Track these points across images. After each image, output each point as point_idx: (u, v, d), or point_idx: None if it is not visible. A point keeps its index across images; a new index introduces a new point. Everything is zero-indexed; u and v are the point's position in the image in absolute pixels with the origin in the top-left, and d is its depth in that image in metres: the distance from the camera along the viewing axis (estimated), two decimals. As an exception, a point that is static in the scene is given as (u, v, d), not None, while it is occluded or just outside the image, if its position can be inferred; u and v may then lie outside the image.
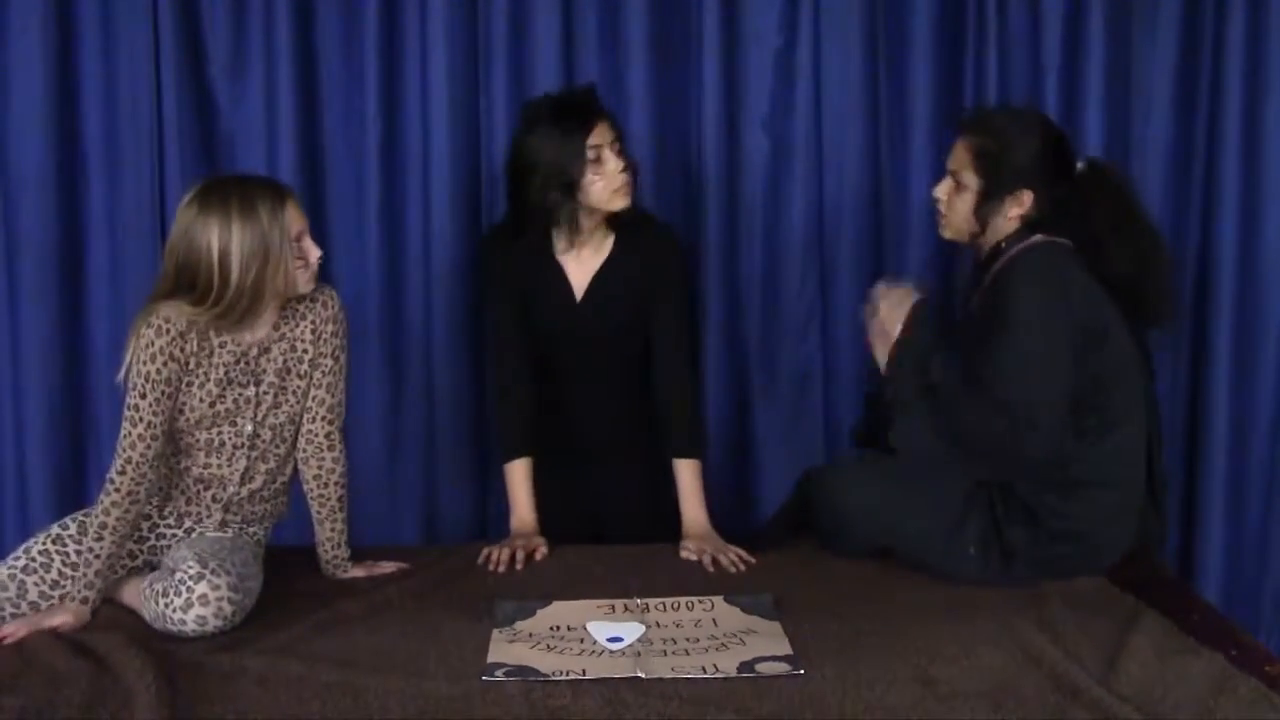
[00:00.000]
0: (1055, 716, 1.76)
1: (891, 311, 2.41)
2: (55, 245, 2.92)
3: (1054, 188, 2.35)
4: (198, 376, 2.22)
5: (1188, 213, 3.01)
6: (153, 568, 2.27)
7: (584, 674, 1.91)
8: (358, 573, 2.40)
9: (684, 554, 2.48)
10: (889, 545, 2.40)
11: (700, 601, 2.23)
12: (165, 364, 2.17)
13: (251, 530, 2.34)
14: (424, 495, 3.06)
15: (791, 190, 3.01)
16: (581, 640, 2.06)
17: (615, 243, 2.58)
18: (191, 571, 2.07)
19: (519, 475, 2.60)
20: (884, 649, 2.00)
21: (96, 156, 2.93)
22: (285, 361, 2.29)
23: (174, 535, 2.31)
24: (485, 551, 2.48)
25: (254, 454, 2.30)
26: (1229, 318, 2.98)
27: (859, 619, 2.13)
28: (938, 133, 2.91)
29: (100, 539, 2.15)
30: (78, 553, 2.20)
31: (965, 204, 2.39)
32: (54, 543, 2.23)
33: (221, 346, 2.23)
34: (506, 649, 2.01)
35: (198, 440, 2.26)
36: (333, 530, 2.39)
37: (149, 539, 2.30)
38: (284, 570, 2.34)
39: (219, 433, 2.26)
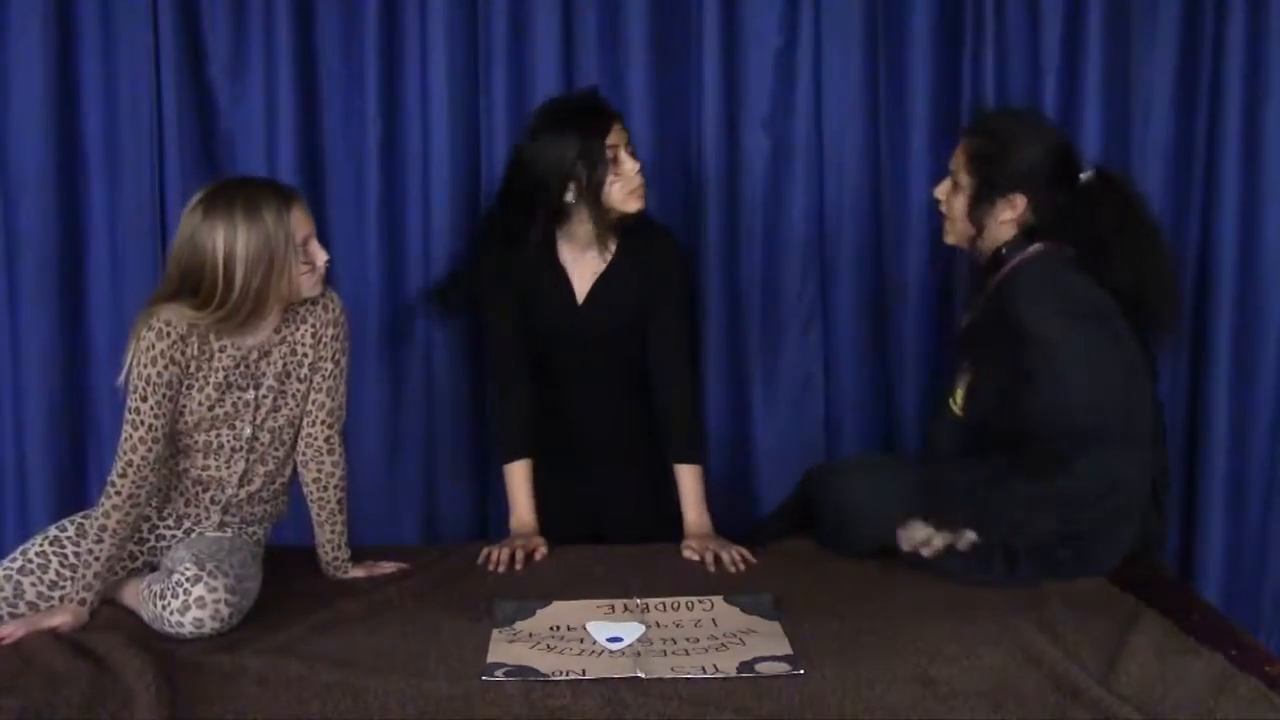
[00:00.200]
0: (1055, 716, 1.76)
1: (926, 543, 2.33)
2: (55, 245, 2.92)
3: (1052, 195, 2.34)
4: (197, 380, 2.22)
5: (1188, 213, 3.01)
6: (152, 568, 2.26)
7: (584, 674, 1.90)
8: (358, 573, 2.39)
9: (686, 553, 2.48)
10: (892, 544, 2.40)
11: (700, 601, 2.23)
12: (166, 367, 2.17)
13: (251, 530, 2.34)
14: (424, 495, 3.06)
15: (792, 190, 3.01)
16: (581, 640, 2.06)
17: (618, 246, 2.57)
18: (189, 573, 2.07)
19: (519, 476, 2.60)
20: (884, 649, 2.00)
21: (96, 156, 2.93)
22: (285, 365, 2.29)
23: (173, 536, 2.31)
24: (485, 551, 2.48)
25: (252, 456, 2.30)
26: (1229, 318, 2.98)
27: (859, 619, 2.13)
28: (937, 133, 2.91)
29: (100, 541, 2.15)
30: (76, 554, 2.20)
31: (960, 205, 2.39)
32: (51, 544, 2.23)
33: (221, 351, 2.22)
34: (506, 649, 2.01)
35: (196, 442, 2.26)
36: (333, 532, 2.39)
37: (148, 540, 2.30)
38: (284, 570, 2.34)
39: (217, 435, 2.26)
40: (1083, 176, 2.36)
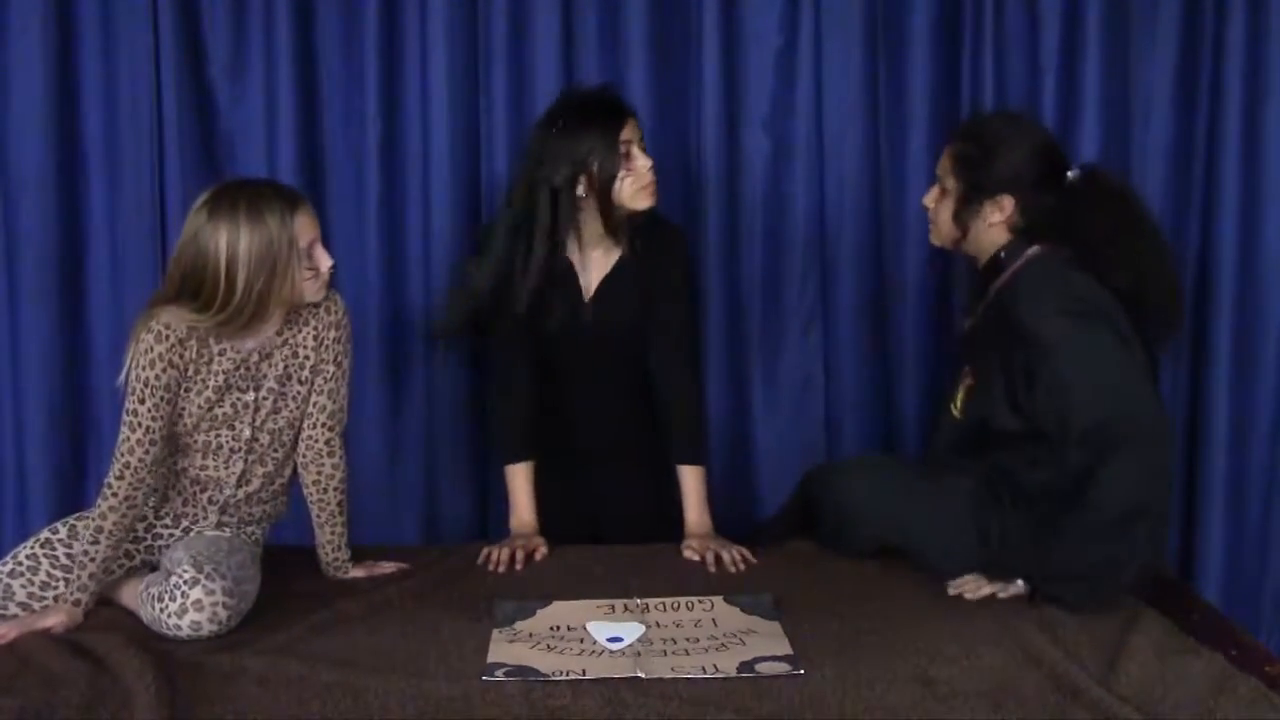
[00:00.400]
0: (1055, 716, 1.76)
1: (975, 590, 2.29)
2: (55, 245, 2.91)
3: (1040, 195, 2.33)
4: (195, 383, 2.21)
5: (1188, 213, 3.01)
6: (151, 568, 2.26)
7: (584, 674, 1.91)
8: (358, 573, 2.39)
9: (687, 553, 2.48)
10: (893, 544, 2.40)
11: (700, 601, 2.23)
12: (164, 370, 2.17)
13: (249, 530, 2.34)
14: (424, 495, 3.05)
15: (792, 190, 3.01)
16: (581, 640, 2.06)
17: (627, 243, 2.53)
18: (186, 576, 2.07)
19: (520, 477, 2.59)
20: (884, 649, 2.00)
21: (96, 156, 2.93)
22: (286, 367, 2.28)
23: (171, 535, 2.31)
24: (485, 551, 2.48)
25: (251, 457, 2.30)
26: (1229, 318, 2.98)
27: (859, 619, 2.13)
28: (937, 133, 2.90)
29: (96, 542, 2.14)
30: (68, 555, 2.20)
31: (947, 209, 2.39)
32: (43, 546, 2.23)
33: (221, 354, 2.22)
34: (506, 649, 2.01)
35: (195, 442, 2.26)
36: (333, 534, 2.39)
37: (145, 539, 2.29)
38: (283, 571, 2.34)
39: (216, 436, 2.26)
40: (1070, 175, 2.35)
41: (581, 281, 2.57)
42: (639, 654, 1.99)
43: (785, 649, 2.01)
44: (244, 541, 2.30)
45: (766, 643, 2.04)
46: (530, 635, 2.08)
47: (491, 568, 2.43)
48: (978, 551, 2.29)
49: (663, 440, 2.62)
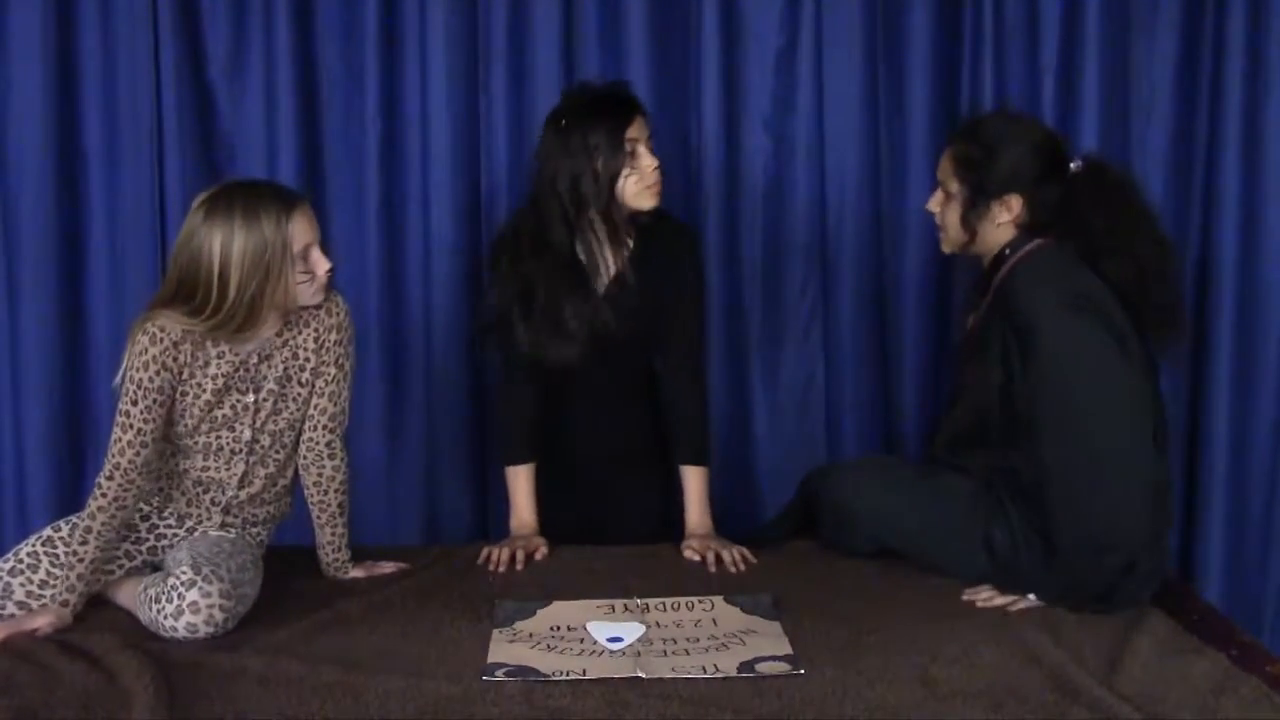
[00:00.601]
0: (1055, 716, 1.76)
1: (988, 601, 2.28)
2: (55, 245, 2.92)
3: (1046, 190, 2.32)
4: (192, 386, 2.21)
5: (1188, 214, 3.01)
6: (153, 568, 2.26)
7: (584, 674, 1.90)
8: (358, 573, 2.39)
9: (687, 553, 2.48)
10: (893, 544, 2.40)
11: (700, 601, 2.23)
12: (158, 373, 2.16)
13: (254, 531, 2.34)
14: (424, 496, 3.06)
15: (793, 190, 3.01)
16: (581, 640, 2.06)
17: (636, 244, 2.51)
18: (184, 578, 2.06)
19: (521, 478, 2.58)
20: (884, 649, 2.00)
21: (96, 156, 2.93)
22: (287, 369, 2.28)
23: (175, 535, 2.30)
24: (485, 551, 2.48)
25: (252, 459, 2.29)
26: (1229, 318, 2.98)
27: (859, 619, 2.13)
28: (936, 133, 2.91)
29: (85, 543, 2.14)
30: (68, 554, 2.19)
31: (954, 213, 2.37)
32: (44, 545, 2.22)
33: (220, 356, 2.21)
34: (507, 649, 2.01)
35: (196, 444, 2.26)
36: (333, 535, 2.38)
37: (148, 539, 2.29)
38: (284, 571, 2.34)
39: (216, 437, 2.26)
40: (1072, 166, 2.35)
41: (591, 281, 2.51)
42: (639, 654, 1.99)
43: (785, 649, 2.01)
44: (248, 543, 2.29)
45: (767, 643, 2.04)
46: (530, 635, 2.07)
47: (492, 568, 2.43)
48: (984, 560, 2.28)
49: (667, 443, 2.61)
